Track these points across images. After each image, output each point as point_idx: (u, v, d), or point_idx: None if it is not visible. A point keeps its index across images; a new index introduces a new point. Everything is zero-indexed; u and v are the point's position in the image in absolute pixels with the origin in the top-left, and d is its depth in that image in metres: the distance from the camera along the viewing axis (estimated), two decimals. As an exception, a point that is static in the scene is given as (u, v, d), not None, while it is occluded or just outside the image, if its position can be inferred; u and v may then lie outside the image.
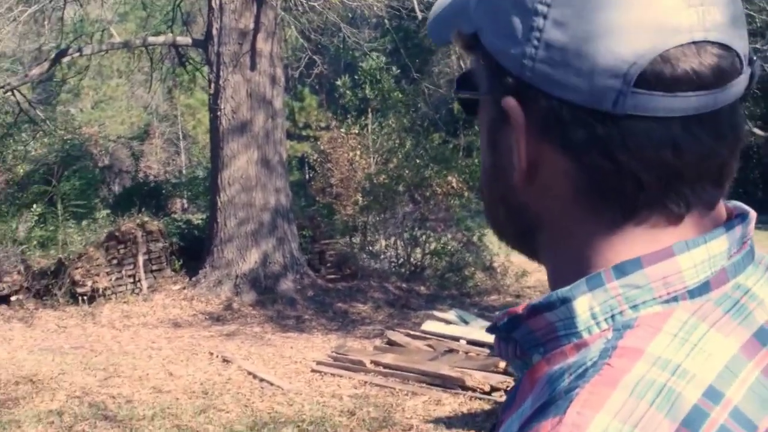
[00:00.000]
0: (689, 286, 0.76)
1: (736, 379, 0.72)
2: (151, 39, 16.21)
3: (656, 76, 0.74)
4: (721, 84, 0.75)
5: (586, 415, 0.67)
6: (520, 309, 0.81)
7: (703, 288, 0.77)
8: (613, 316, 0.76)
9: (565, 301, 0.77)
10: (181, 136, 47.80)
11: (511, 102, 0.79)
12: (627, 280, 0.76)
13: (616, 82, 0.74)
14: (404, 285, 16.03)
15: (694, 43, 0.74)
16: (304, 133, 46.59)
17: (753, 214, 0.83)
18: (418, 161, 18.79)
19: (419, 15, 14.88)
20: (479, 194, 0.97)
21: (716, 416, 0.69)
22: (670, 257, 0.76)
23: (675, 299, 0.76)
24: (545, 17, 0.76)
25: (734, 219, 0.82)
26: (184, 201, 24.45)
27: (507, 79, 0.79)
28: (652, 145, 0.75)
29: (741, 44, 0.78)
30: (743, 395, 0.71)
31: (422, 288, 16.18)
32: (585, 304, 0.76)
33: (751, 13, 14.06)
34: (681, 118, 0.75)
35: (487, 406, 8.18)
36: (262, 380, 9.61)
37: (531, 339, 0.81)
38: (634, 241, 0.78)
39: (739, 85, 0.77)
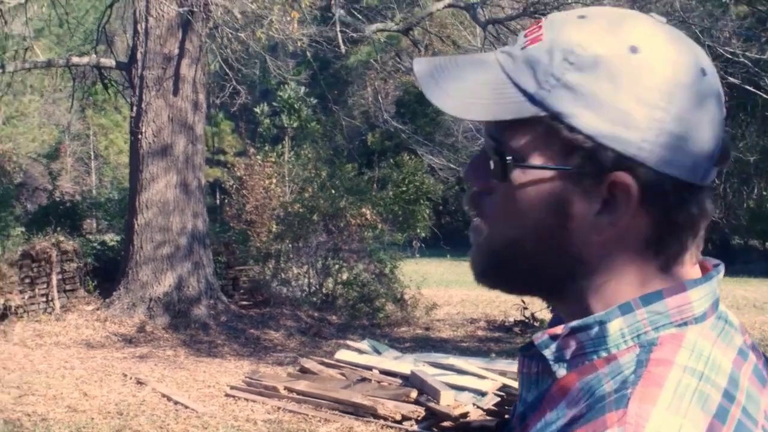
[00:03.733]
0: (696, 315, 1.00)
1: (739, 384, 0.97)
2: (75, 59, 16.19)
3: (720, 157, 1.02)
4: (722, 163, 1.02)
5: (646, 408, 0.89)
6: (558, 330, 1.01)
7: (703, 316, 1.01)
8: (638, 336, 0.98)
9: (601, 323, 0.99)
10: (92, 156, 47.30)
11: (625, 177, 0.97)
12: (651, 308, 0.99)
13: (707, 162, 0.99)
14: (316, 314, 16.21)
15: None
16: (216, 158, 46.52)
17: (723, 265, 1.08)
18: (333, 192, 18.98)
19: (342, 48, 15.20)
20: (504, 249, 1.07)
21: (734, 412, 0.93)
22: (684, 291, 1.00)
23: (685, 323, 0.99)
24: (667, 112, 0.96)
25: (717, 266, 1.07)
26: (94, 222, 24.23)
27: (607, 156, 0.97)
28: (708, 207, 1.02)
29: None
30: (745, 397, 0.96)
31: (334, 317, 16.37)
32: (617, 326, 0.98)
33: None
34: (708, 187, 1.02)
35: (398, 434, 8.39)
36: (176, 403, 9.68)
37: (559, 356, 1.01)
38: (663, 279, 1.02)
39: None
